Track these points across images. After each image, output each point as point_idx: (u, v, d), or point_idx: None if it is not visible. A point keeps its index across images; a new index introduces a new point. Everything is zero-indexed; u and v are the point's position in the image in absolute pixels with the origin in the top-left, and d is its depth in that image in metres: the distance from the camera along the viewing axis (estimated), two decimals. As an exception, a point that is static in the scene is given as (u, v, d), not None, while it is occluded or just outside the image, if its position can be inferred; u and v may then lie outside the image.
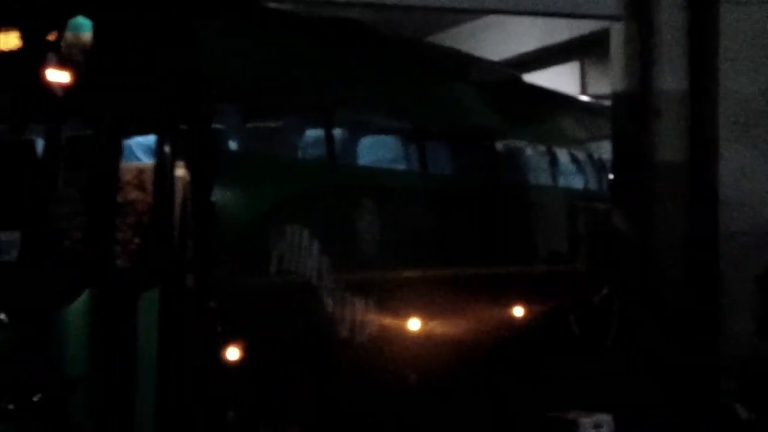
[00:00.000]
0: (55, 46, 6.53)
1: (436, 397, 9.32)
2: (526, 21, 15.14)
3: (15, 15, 6.82)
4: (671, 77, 11.59)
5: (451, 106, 10.62)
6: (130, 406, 6.73)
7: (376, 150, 9.50)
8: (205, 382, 7.10)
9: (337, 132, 8.84)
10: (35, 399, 6.43)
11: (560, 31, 15.32)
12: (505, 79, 12.27)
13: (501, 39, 15.98)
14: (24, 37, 6.74)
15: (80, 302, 6.54)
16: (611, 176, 12.63)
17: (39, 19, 6.75)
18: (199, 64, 7.30)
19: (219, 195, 7.33)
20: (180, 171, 7.07)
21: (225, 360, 7.26)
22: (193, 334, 7.05)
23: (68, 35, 6.52)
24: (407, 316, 9.19)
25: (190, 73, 7.22)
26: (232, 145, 8.04)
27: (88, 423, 6.59)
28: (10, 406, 6.39)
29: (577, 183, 12.69)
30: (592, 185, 12.96)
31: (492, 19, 15.63)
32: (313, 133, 8.82)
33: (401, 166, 9.66)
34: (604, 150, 12.85)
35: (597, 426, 9.51)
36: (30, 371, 6.50)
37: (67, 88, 6.52)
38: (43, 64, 6.50)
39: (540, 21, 14.76)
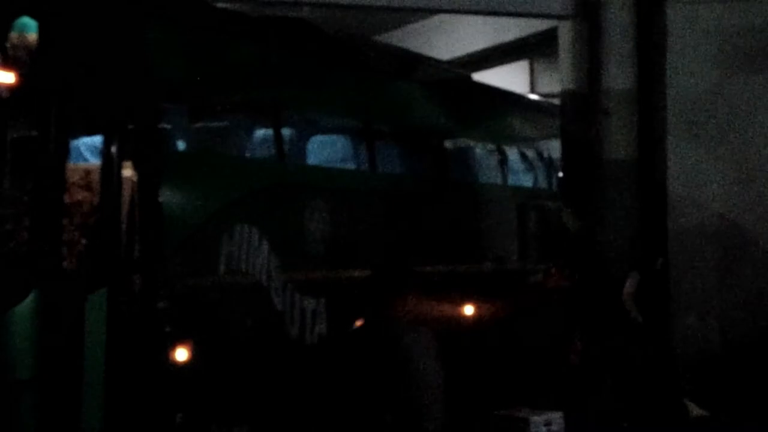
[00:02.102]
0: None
1: (385, 396, 9.42)
2: (476, 20, 15.20)
3: None
4: (619, 76, 11.72)
5: (400, 106, 10.66)
6: (78, 407, 6.73)
7: (325, 150, 9.54)
8: (154, 383, 7.11)
9: (286, 132, 8.88)
10: None
11: (510, 30, 15.38)
12: (454, 79, 12.28)
13: (450, 38, 16.00)
14: None
15: (27, 303, 6.51)
16: (561, 174, 12.79)
17: None
18: (147, 65, 7.36)
19: (167, 195, 7.37)
20: (127, 171, 7.11)
21: (174, 361, 7.28)
22: (141, 335, 7.07)
23: (13, 36, 6.50)
24: (357, 315, 9.30)
25: (138, 74, 7.28)
26: (180, 145, 8.07)
27: (37, 424, 6.56)
28: None
29: (527, 181, 12.75)
30: (542, 183, 13.04)
31: (442, 18, 15.67)
32: (261, 133, 8.85)
33: (350, 166, 9.71)
34: (554, 148, 12.95)
35: (547, 423, 9.60)
36: None
37: (12, 89, 6.50)
38: None
39: (490, 20, 14.83)
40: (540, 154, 13.15)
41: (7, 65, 6.46)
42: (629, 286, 10.49)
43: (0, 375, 6.51)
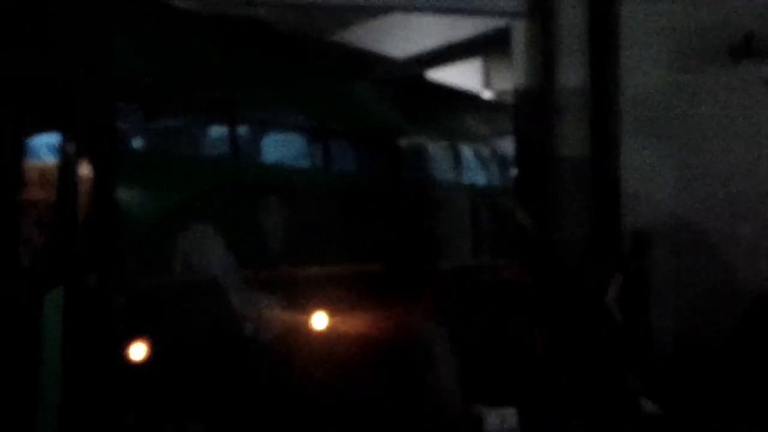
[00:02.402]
0: None
1: (340, 393, 9.37)
2: (429, 19, 15.24)
3: None
4: (573, 73, 11.85)
5: (354, 104, 10.72)
6: (32, 409, 6.78)
7: (279, 148, 9.57)
8: (109, 381, 7.17)
9: (241, 130, 8.90)
10: None
11: (463, 28, 15.42)
12: (407, 77, 12.35)
13: (404, 37, 16.04)
14: None
15: None
16: (515, 172, 12.88)
17: None
18: (101, 63, 7.41)
19: (122, 194, 7.41)
20: (83, 170, 7.15)
21: (128, 359, 7.31)
22: (97, 333, 7.10)
23: None
24: (313, 311, 9.29)
25: (92, 72, 7.31)
26: (135, 144, 8.08)
27: None
28: None
29: (481, 179, 12.83)
30: (496, 181, 13.11)
31: (395, 17, 15.72)
32: (216, 132, 8.87)
33: (304, 164, 9.73)
34: (508, 146, 13.03)
35: (502, 420, 9.74)
36: None
37: None
38: None
39: (443, 19, 14.87)
40: (494, 152, 13.23)
41: None
42: (613, 288, 10.56)
43: None
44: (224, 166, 8.70)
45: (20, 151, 6.94)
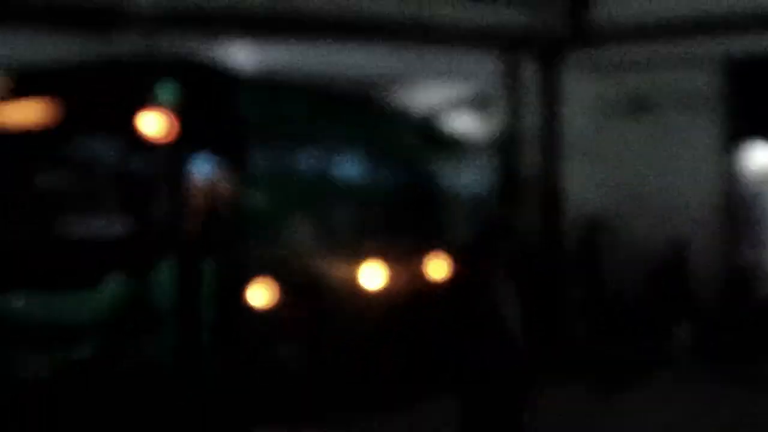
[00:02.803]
0: (153, 102, 7.71)
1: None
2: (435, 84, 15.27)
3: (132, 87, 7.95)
4: (532, 118, 12.90)
5: (396, 143, 10.89)
6: (199, 340, 7.67)
7: (349, 169, 10.04)
8: (240, 320, 8.00)
9: (324, 157, 9.54)
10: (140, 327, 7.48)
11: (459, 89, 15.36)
12: (427, 124, 12.46)
13: (423, 95, 15.09)
14: (132, 98, 7.84)
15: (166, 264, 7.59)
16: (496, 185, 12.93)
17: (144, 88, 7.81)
18: (238, 117, 8.37)
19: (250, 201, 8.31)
20: (223, 185, 8.16)
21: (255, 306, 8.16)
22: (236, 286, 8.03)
23: (161, 96, 7.72)
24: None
25: (233, 124, 8.30)
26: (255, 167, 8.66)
27: (172, 354, 7.57)
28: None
29: (474, 188, 12.45)
30: (485, 191, 12.79)
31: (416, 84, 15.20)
32: (307, 158, 9.42)
33: (365, 181, 10.15)
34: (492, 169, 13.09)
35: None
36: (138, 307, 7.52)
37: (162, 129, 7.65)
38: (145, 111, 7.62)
39: (445, 84, 15.11)
40: (483, 173, 12.87)
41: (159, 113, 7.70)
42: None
43: (144, 315, 7.50)
44: (312, 182, 9.37)
45: (186, 177, 7.85)
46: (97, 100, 8.03)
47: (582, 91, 12.96)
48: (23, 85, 8.34)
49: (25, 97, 8.17)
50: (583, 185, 12.79)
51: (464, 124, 15.00)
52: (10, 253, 7.94)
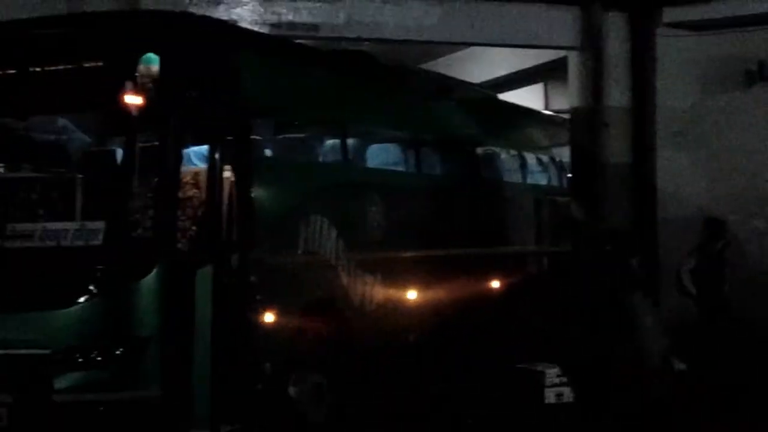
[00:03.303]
0: (131, 76, 6.55)
1: (425, 351, 9.39)
2: (501, 51, 15.19)
3: (105, 53, 6.88)
4: (617, 95, 11.72)
5: (441, 120, 10.64)
6: (189, 359, 6.80)
7: (380, 155, 9.56)
8: (247, 340, 7.17)
9: (350, 141, 8.90)
10: (117, 352, 6.51)
11: (528, 59, 15.33)
12: (483, 98, 12.32)
13: (480, 66, 16.00)
14: (108, 70, 6.75)
15: (151, 276, 6.58)
16: (570, 175, 12.77)
17: (120, 55, 6.76)
18: (241, 90, 7.41)
19: (257, 192, 7.43)
20: (226, 173, 7.19)
21: (263, 322, 7.34)
22: (238, 301, 7.11)
23: (141, 68, 6.56)
24: (406, 288, 9.28)
25: (235, 97, 7.33)
26: (267, 152, 8.15)
27: (156, 373, 6.61)
28: (98, 357, 6.48)
29: (542, 181, 12.72)
30: (555, 182, 12.99)
31: (473, 50, 15.68)
32: (331, 142, 8.92)
33: (400, 168, 9.70)
34: (564, 154, 12.92)
35: (559, 375, 9.59)
36: (113, 330, 6.56)
37: (140, 109, 6.53)
38: (122, 90, 6.51)
39: (512, 51, 14.81)
40: (552, 159, 13.15)
41: (137, 91, 6.53)
42: (686, 263, 10.40)
43: (129, 333, 6.56)
44: (336, 169, 8.71)
45: (179, 158, 6.94)
46: (62, 69, 6.98)
47: (682, 58, 11.64)
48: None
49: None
50: (684, 177, 11.60)
51: (533, 98, 14.50)
52: None
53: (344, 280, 8.41)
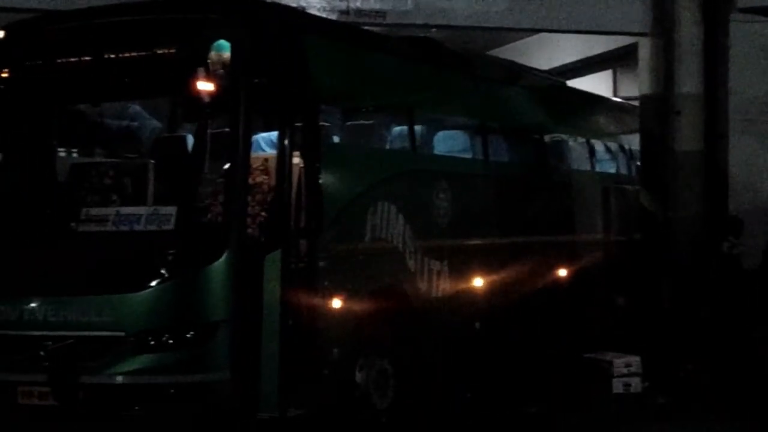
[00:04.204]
0: (203, 62, 6.56)
1: (494, 339, 9.36)
2: (570, 38, 15.03)
3: (176, 40, 6.93)
4: (689, 82, 11.55)
5: (508, 107, 10.55)
6: (258, 343, 6.85)
7: (448, 142, 9.52)
8: (315, 325, 7.19)
9: (417, 128, 8.84)
10: (187, 336, 6.59)
11: (597, 45, 15.17)
12: (551, 85, 12.24)
13: (547, 53, 15.87)
14: (180, 57, 6.78)
15: (221, 261, 6.63)
16: (639, 163, 12.62)
17: (192, 42, 6.77)
18: (311, 76, 7.41)
19: (325, 178, 7.41)
20: (295, 159, 7.18)
21: (331, 308, 7.34)
22: (306, 286, 7.12)
23: (213, 54, 6.59)
24: (473, 275, 9.24)
25: (304, 83, 7.34)
26: (335, 138, 8.13)
27: (225, 357, 6.66)
28: (170, 340, 6.58)
29: (611, 169, 12.59)
30: (623, 171, 12.83)
31: (541, 37, 15.55)
32: (398, 129, 8.88)
33: (467, 155, 9.64)
34: (633, 142, 12.76)
35: (627, 365, 9.58)
36: (184, 314, 6.65)
37: (211, 96, 6.55)
38: (194, 77, 6.53)
39: (580, 38, 14.65)
40: (621, 147, 12.98)
41: (209, 77, 6.56)
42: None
43: (199, 317, 6.64)
44: (404, 156, 8.67)
45: (249, 145, 6.97)
46: (135, 56, 7.07)
47: (755, 43, 11.49)
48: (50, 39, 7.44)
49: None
50: (756, 164, 11.47)
51: (600, 86, 14.35)
52: (31, 248, 7.10)
53: (411, 266, 8.37)
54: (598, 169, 12.09)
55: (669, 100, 11.58)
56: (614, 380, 9.38)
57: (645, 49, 11.98)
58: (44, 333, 6.70)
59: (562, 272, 10.72)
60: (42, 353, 6.63)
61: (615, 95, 16.31)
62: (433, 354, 8.56)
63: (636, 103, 12.78)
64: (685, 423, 8.59)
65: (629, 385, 9.38)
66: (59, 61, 7.28)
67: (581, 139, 11.88)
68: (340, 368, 7.48)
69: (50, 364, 6.63)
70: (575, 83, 14.56)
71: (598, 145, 12.26)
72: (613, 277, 11.39)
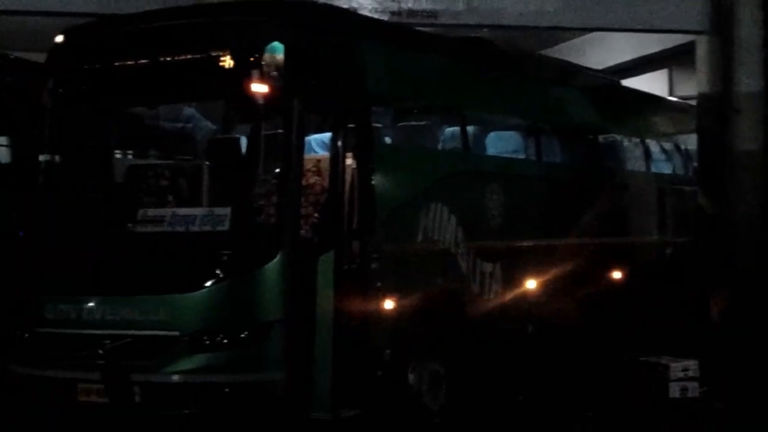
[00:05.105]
0: (257, 65, 6.67)
1: (546, 342, 9.36)
2: (624, 36, 14.96)
3: (230, 43, 7.01)
4: (748, 80, 11.42)
5: (561, 107, 10.53)
6: (311, 343, 6.92)
7: (500, 143, 9.51)
8: (367, 326, 7.26)
9: (469, 129, 8.87)
10: (242, 336, 6.68)
11: (651, 44, 15.07)
12: (605, 84, 12.18)
13: (601, 52, 15.79)
14: (233, 59, 6.87)
15: (275, 262, 6.72)
16: (696, 164, 12.52)
17: (245, 45, 6.90)
18: (363, 77, 7.49)
19: (377, 180, 7.47)
20: (348, 161, 7.25)
21: (383, 309, 7.40)
22: (358, 287, 7.20)
23: (266, 56, 6.68)
24: (525, 277, 9.26)
25: (356, 84, 7.42)
26: (387, 139, 8.18)
27: (279, 357, 6.76)
28: (224, 340, 6.68)
29: (667, 169, 12.50)
30: (680, 171, 12.78)
31: (593, 36, 15.49)
32: (450, 130, 8.90)
33: (520, 156, 9.63)
34: (689, 142, 12.68)
35: (684, 369, 9.47)
36: (238, 314, 6.74)
37: (264, 97, 6.66)
38: (248, 79, 6.65)
39: (635, 36, 14.58)
40: (677, 147, 12.87)
41: (262, 80, 6.65)
42: None
43: (253, 317, 6.74)
44: (456, 157, 8.69)
45: (302, 146, 7.04)
46: (189, 59, 7.17)
47: None
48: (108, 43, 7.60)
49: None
50: None
51: (655, 85, 14.20)
52: (90, 249, 7.24)
53: (463, 268, 8.41)
54: (653, 169, 12.02)
55: (728, 99, 11.47)
56: (671, 384, 9.29)
57: (702, 47, 11.89)
58: (102, 332, 6.87)
59: (616, 274, 10.68)
60: (100, 351, 6.80)
61: (671, 94, 16.18)
62: (486, 356, 8.58)
63: (693, 102, 12.66)
64: (741, 429, 8.50)
65: (686, 389, 9.27)
66: (116, 64, 7.43)
67: (636, 140, 11.81)
68: (392, 369, 7.52)
69: (106, 363, 6.79)
70: (630, 83, 14.46)
71: (654, 146, 12.18)
72: (669, 280, 11.29)
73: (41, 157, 7.61)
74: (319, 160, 7.50)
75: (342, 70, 7.33)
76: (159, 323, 6.80)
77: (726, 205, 11.44)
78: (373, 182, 7.42)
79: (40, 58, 8.01)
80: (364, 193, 7.33)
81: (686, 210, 12.03)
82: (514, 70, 9.90)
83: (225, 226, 6.82)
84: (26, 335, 7.18)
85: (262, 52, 6.72)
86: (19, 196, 7.69)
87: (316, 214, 7.30)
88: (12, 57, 9.33)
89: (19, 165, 8.43)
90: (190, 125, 8.11)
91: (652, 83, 15.91)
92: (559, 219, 9.87)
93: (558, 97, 10.58)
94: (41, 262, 7.27)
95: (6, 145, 9.10)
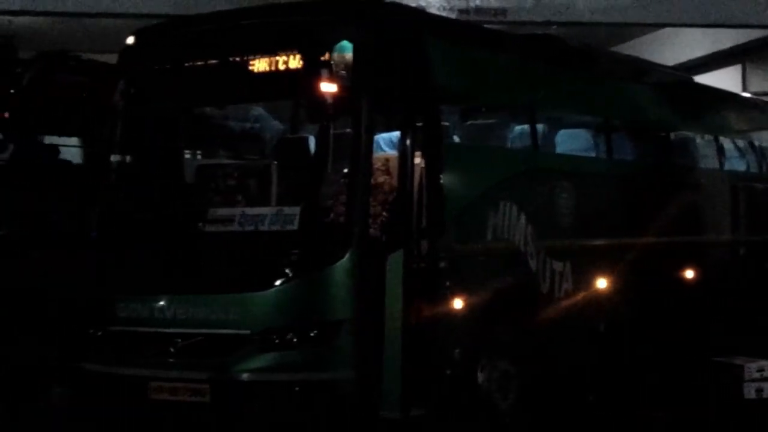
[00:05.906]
0: (325, 64, 6.71)
1: (618, 341, 9.25)
2: (696, 32, 14.75)
3: (299, 43, 7.06)
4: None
5: (633, 104, 10.40)
6: (381, 342, 6.94)
7: (570, 141, 9.44)
8: (437, 325, 7.23)
9: (539, 127, 8.81)
10: (311, 335, 6.74)
11: (724, 39, 14.83)
12: (678, 81, 12.00)
13: (671, 48, 15.58)
14: (302, 59, 6.94)
15: (344, 261, 6.76)
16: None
17: (314, 44, 6.94)
18: (432, 76, 7.46)
19: (446, 178, 7.44)
20: (416, 159, 7.24)
21: (452, 308, 7.37)
22: (428, 287, 7.18)
23: (335, 56, 6.70)
24: (596, 276, 9.13)
25: (425, 83, 7.39)
26: (456, 138, 8.17)
27: (349, 355, 6.79)
28: (294, 339, 6.73)
29: (740, 167, 12.27)
30: (754, 169, 12.53)
31: (663, 32, 15.29)
32: (519, 128, 8.86)
33: (591, 154, 9.53)
34: (764, 139, 12.46)
35: (760, 370, 9.35)
36: (308, 313, 6.80)
37: (334, 97, 6.68)
38: (317, 78, 6.67)
39: (707, 31, 14.36)
40: (752, 144, 12.62)
41: (331, 79, 6.67)
42: None
43: (323, 316, 6.79)
44: (526, 155, 8.64)
45: (370, 145, 7.06)
46: (258, 59, 7.21)
47: None
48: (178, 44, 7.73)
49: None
50: None
51: (728, 82, 13.94)
52: (160, 248, 7.36)
53: (533, 267, 8.35)
54: (726, 167, 11.80)
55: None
56: (745, 384, 9.15)
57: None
58: (174, 330, 6.96)
59: (689, 273, 10.50)
60: (172, 350, 6.88)
61: (744, 91, 15.89)
62: (556, 356, 8.52)
63: (767, 98, 12.41)
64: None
65: (761, 390, 9.15)
66: (186, 65, 7.54)
67: (708, 137, 11.62)
68: (462, 368, 7.50)
69: (179, 361, 6.87)
70: (702, 79, 14.23)
71: (727, 143, 11.95)
72: (744, 279, 11.09)
73: (112, 158, 7.74)
74: (387, 159, 7.51)
75: (410, 68, 7.32)
76: (229, 322, 6.87)
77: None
78: (441, 181, 7.39)
79: (111, 59, 8.11)
80: (432, 191, 7.31)
81: (760, 208, 11.78)
82: (583, 67, 9.80)
83: (294, 226, 6.85)
84: (99, 333, 7.30)
85: (330, 51, 6.75)
86: (91, 196, 7.78)
87: (384, 213, 7.30)
88: (84, 58, 9.49)
89: (91, 166, 8.56)
90: (258, 125, 8.16)
91: (726, 79, 15.65)
92: (629, 218, 9.73)
93: (628, 95, 10.45)
94: (113, 261, 7.39)
95: (78, 146, 9.27)
